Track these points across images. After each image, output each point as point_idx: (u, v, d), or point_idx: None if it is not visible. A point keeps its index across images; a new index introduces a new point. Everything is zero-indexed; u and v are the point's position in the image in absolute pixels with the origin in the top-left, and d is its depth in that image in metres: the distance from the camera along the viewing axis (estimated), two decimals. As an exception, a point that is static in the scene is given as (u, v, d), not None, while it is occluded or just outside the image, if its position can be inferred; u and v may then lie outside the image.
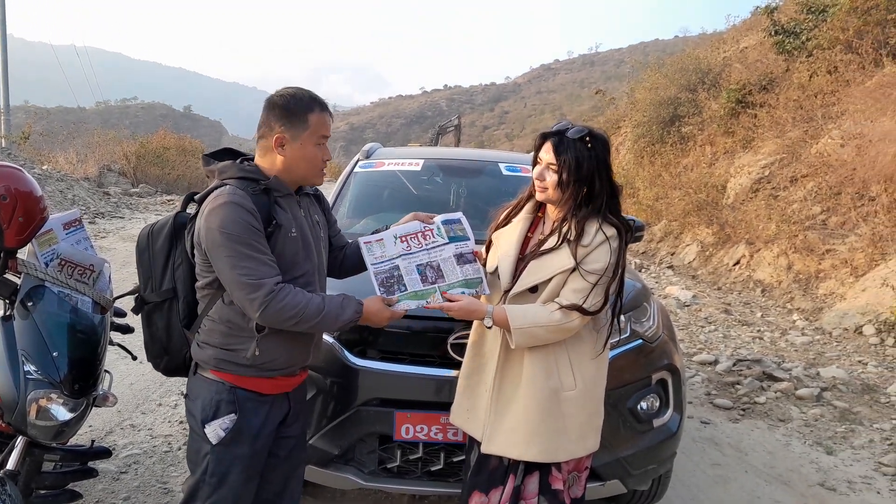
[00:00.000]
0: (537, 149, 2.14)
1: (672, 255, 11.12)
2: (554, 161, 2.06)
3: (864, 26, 9.98)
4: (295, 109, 1.95)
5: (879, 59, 9.63)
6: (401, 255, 2.11)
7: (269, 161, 1.99)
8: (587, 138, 2.06)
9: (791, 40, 11.35)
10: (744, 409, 4.69)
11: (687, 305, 7.84)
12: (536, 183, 2.14)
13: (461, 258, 2.13)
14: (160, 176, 20.90)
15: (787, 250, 8.34)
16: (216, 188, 1.95)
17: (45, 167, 15.74)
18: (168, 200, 17.81)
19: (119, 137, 21.69)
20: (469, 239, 2.14)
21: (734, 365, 5.52)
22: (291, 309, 1.86)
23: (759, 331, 6.81)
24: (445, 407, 2.40)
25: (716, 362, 5.64)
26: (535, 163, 2.16)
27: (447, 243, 2.13)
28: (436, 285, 2.11)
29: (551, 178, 2.08)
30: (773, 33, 11.79)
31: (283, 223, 1.96)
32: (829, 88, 10.01)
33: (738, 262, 9.27)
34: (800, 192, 8.91)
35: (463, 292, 2.11)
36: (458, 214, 2.16)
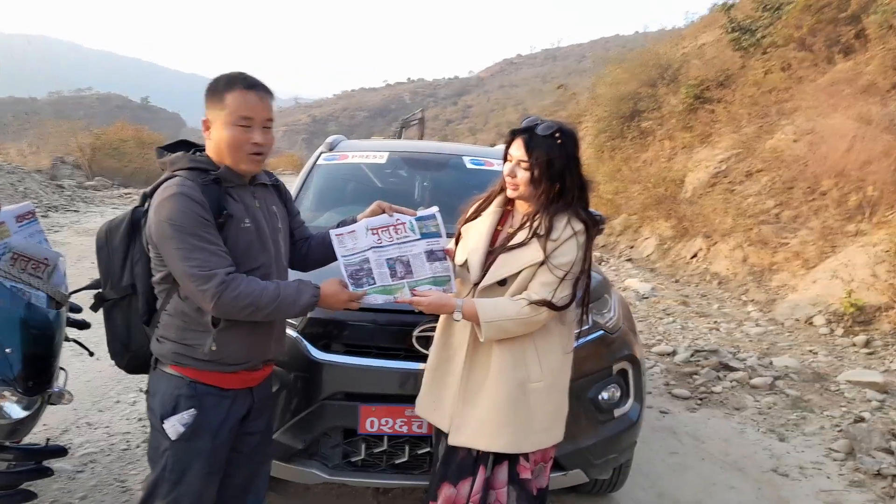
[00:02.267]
0: (507, 145, 2.13)
1: (631, 248, 11.30)
2: (525, 158, 2.06)
3: (818, 24, 10.26)
4: (215, 89, 1.90)
5: (832, 57, 9.92)
6: (371, 248, 2.08)
7: (209, 147, 1.96)
8: (557, 134, 2.05)
9: (747, 37, 11.62)
10: (701, 399, 4.81)
11: (646, 297, 7.99)
12: (508, 180, 2.12)
13: (431, 255, 2.10)
14: (117, 168, 20.40)
15: (743, 243, 8.56)
16: (166, 180, 1.91)
17: (-6, 159, 15.23)
18: (125, 194, 17.39)
19: (74, 129, 21.05)
20: (441, 236, 2.10)
21: (692, 356, 5.65)
22: (245, 298, 1.83)
23: (715, 322, 6.98)
24: (410, 400, 2.40)
25: (674, 353, 5.77)
26: (505, 159, 2.15)
27: (419, 239, 2.09)
28: (404, 281, 2.10)
29: (523, 175, 2.07)
30: (730, 30, 12.05)
31: (235, 213, 1.92)
32: (783, 85, 10.28)
33: (695, 255, 9.48)
34: (755, 187, 9.15)
35: (430, 289, 2.11)
36: (434, 210, 2.11)
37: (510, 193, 2.16)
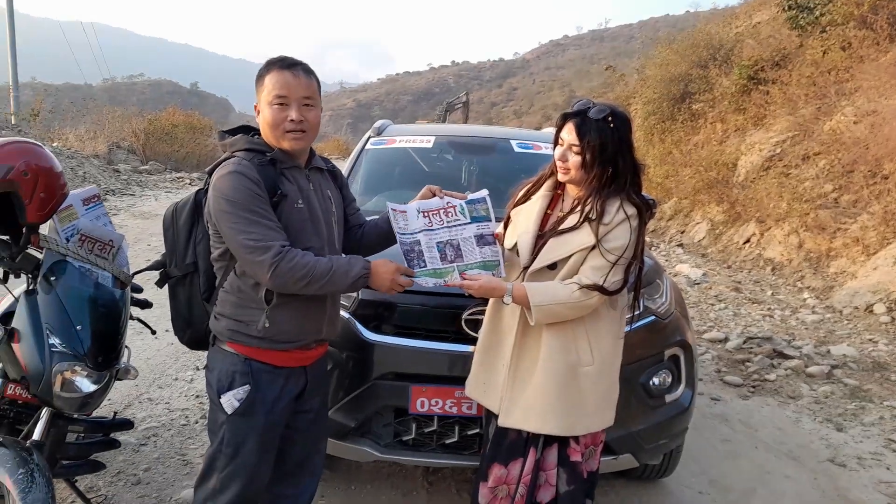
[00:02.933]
0: (559, 129, 2.11)
1: (682, 233, 11.09)
2: (577, 142, 2.03)
3: (879, 1, 9.82)
4: (259, 74, 1.99)
5: (894, 35, 9.49)
6: (422, 231, 2.10)
7: (261, 131, 2.03)
8: (609, 118, 2.02)
9: (805, 15, 11.19)
10: (754, 386, 4.72)
11: (697, 283, 7.85)
12: (559, 164, 2.10)
13: (481, 239, 2.10)
14: (169, 153, 20.90)
15: (799, 228, 8.31)
16: (225, 160, 1.97)
17: (55, 144, 15.79)
18: (178, 178, 17.83)
19: (127, 114, 21.64)
20: (491, 220, 2.10)
21: (744, 342, 5.54)
22: (301, 269, 1.86)
23: (769, 309, 6.81)
24: (460, 381, 2.43)
25: (726, 340, 5.66)
26: (556, 143, 2.13)
27: (469, 223, 2.09)
28: (454, 264, 2.11)
29: (574, 159, 2.05)
30: (786, 8, 11.62)
31: (289, 193, 1.97)
32: (842, 65, 9.89)
33: (748, 241, 9.25)
34: (812, 170, 8.85)
35: (480, 273, 2.11)
36: (484, 193, 2.09)
37: (561, 178, 2.14)
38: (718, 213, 10.34)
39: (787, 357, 5.22)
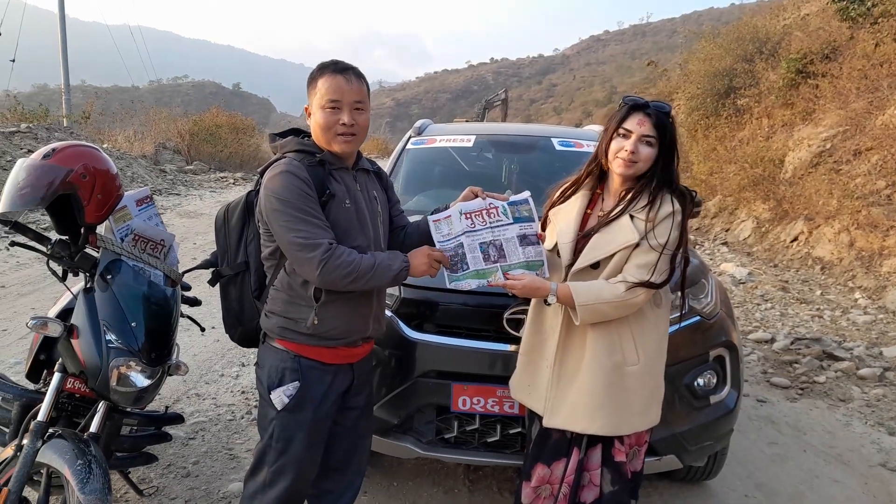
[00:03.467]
0: (623, 119, 2.09)
1: (727, 231, 10.87)
2: (653, 134, 2.05)
3: (937, -9, 9.47)
4: (311, 78, 2.03)
5: (952, 26, 9.13)
6: (465, 232, 2.11)
7: (312, 133, 2.08)
8: (671, 113, 2.08)
9: (856, 7, 10.84)
10: (802, 389, 4.61)
11: (742, 283, 7.69)
12: (626, 155, 2.07)
13: (524, 239, 2.12)
14: (213, 153, 21.33)
15: (849, 226, 8.06)
16: (276, 161, 2.03)
17: (105, 145, 16.26)
18: (221, 177, 18.20)
19: (173, 116, 22.16)
20: (534, 220, 2.12)
21: (792, 343, 5.41)
22: (347, 266, 1.91)
23: (818, 309, 6.64)
24: (501, 380, 2.44)
25: (772, 340, 5.54)
26: (612, 135, 2.10)
27: (511, 223, 2.11)
28: (497, 265, 2.12)
29: (647, 151, 2.05)
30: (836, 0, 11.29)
31: (337, 193, 2.01)
32: (896, 57, 9.56)
33: (795, 239, 9.01)
34: (864, 166, 8.58)
35: (523, 273, 2.12)
36: (526, 195, 2.12)
37: (624, 170, 2.09)
38: (764, 210, 10.10)
39: (837, 359, 5.08)
